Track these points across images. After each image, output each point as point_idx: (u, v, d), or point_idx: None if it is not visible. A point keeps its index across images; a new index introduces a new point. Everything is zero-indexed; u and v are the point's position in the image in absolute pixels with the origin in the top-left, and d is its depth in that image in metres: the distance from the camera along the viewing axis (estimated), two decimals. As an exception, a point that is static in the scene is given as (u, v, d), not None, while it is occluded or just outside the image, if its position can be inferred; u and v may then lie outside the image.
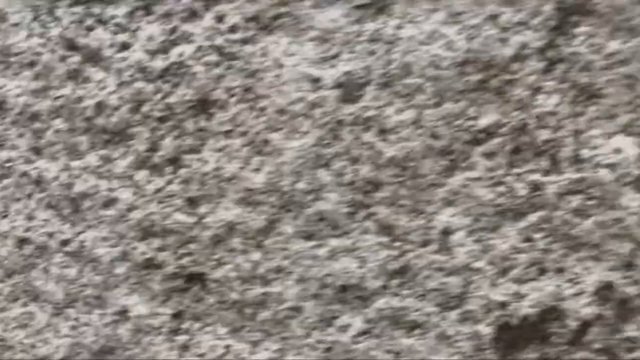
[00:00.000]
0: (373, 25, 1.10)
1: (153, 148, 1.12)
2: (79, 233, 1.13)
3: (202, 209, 1.11)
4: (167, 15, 1.13)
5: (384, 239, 1.11)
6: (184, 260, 1.11)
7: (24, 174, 1.15)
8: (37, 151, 1.14)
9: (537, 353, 1.11)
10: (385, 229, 1.11)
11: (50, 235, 1.15)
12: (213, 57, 1.12)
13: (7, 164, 1.16)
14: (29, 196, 1.15)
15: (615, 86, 1.09)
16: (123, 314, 1.11)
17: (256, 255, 1.10)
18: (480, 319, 1.11)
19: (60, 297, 1.13)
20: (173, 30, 1.13)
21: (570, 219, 1.10)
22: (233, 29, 1.12)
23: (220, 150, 1.11)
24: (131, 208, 1.11)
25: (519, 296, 1.10)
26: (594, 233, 1.10)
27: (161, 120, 1.12)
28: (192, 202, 1.12)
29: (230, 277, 1.11)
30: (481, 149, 1.10)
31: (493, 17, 1.09)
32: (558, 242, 1.10)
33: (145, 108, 1.12)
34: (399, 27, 1.10)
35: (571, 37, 1.09)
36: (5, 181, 1.15)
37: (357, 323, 1.11)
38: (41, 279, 1.14)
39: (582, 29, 1.09)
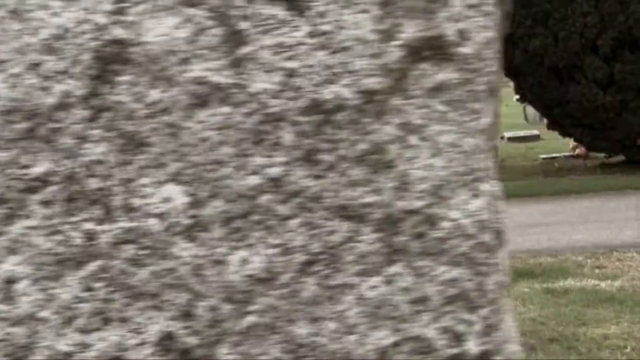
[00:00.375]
0: None
1: None
2: None
3: None
4: None
5: (-49, 288, 1.09)
6: None
7: None
8: None
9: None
10: (-48, 277, 1.09)
11: None
12: None
13: None
14: None
15: (160, 135, 1.06)
16: None
17: None
18: (48, 369, 1.09)
19: None
20: None
21: (127, 268, 1.08)
22: None
23: None
24: None
25: (85, 346, 1.09)
26: (151, 283, 1.08)
27: None
28: None
29: None
30: (37, 197, 1.07)
31: (35, 66, 1.06)
32: (118, 292, 1.08)
33: None
34: (-53, 74, 1.07)
35: (114, 85, 1.05)
36: None
37: None
38: None
39: (123, 77, 1.05)
